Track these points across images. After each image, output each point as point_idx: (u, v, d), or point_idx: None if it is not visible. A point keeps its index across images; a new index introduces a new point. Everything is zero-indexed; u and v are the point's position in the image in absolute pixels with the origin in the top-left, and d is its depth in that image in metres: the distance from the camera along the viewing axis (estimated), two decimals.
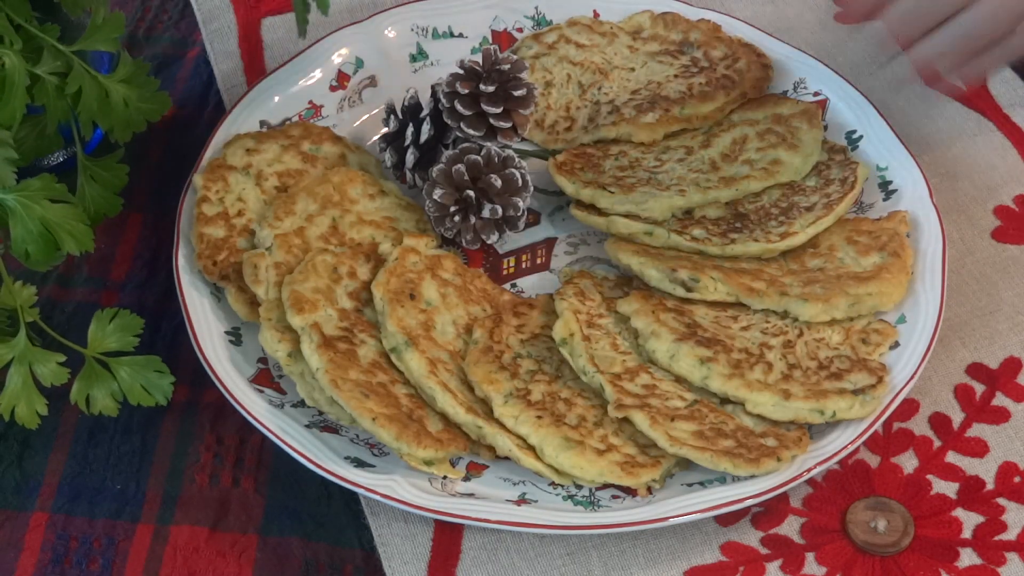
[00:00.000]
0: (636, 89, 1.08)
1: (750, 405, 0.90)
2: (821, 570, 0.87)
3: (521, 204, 1.01)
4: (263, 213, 0.99)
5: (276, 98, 1.08)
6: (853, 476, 0.91)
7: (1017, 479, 0.90)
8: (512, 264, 1.02)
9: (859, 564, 0.87)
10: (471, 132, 1.01)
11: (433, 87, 1.03)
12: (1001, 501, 0.89)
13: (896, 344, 0.93)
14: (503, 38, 1.13)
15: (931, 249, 0.97)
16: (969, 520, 0.88)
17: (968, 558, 0.87)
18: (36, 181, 0.90)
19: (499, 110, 1.01)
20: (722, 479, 0.88)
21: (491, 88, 1.00)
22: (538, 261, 1.02)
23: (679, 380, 0.92)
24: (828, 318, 0.94)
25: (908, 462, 0.91)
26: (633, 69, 1.09)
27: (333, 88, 1.10)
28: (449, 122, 1.02)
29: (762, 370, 0.91)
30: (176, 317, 0.98)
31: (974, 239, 1.02)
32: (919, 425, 0.93)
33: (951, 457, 0.91)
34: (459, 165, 1.00)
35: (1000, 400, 0.94)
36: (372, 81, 1.11)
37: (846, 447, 0.88)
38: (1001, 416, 0.93)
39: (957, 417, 0.93)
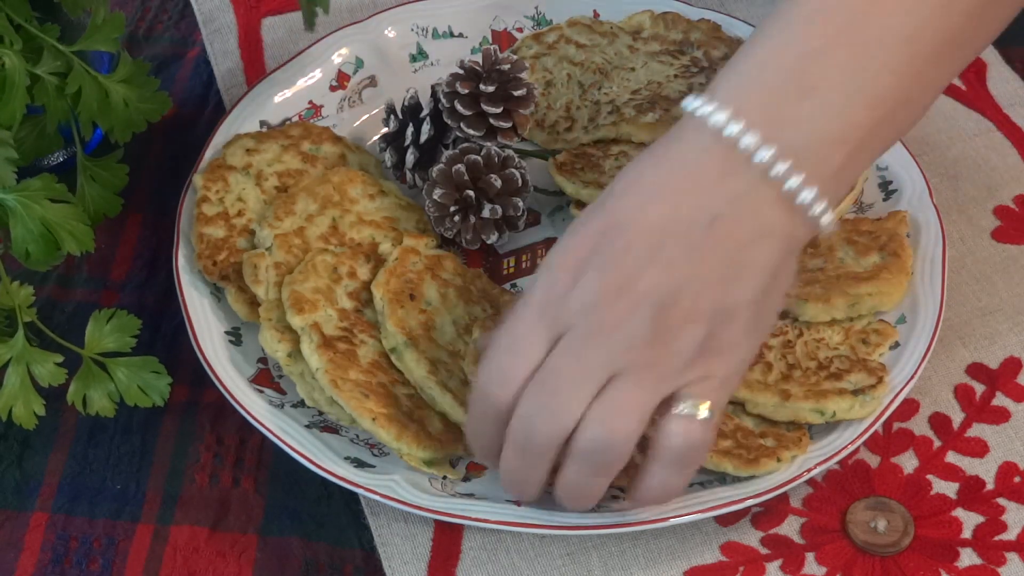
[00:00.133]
0: (636, 89, 1.08)
1: (750, 405, 0.90)
2: (821, 570, 0.87)
3: (521, 204, 1.01)
4: (263, 213, 0.99)
5: (276, 98, 1.07)
6: (853, 476, 0.90)
7: (1017, 479, 0.90)
8: (512, 264, 1.02)
9: (859, 564, 0.87)
10: (471, 132, 1.01)
11: (433, 87, 1.03)
12: (1001, 501, 0.89)
13: (896, 344, 0.93)
14: (503, 38, 1.13)
15: (931, 249, 0.97)
16: (969, 520, 0.88)
17: (968, 558, 0.87)
18: (36, 181, 0.90)
19: (499, 110, 1.01)
20: (722, 479, 0.88)
21: (491, 88, 1.00)
22: (538, 261, 1.02)
23: None
24: (828, 318, 0.94)
25: (908, 462, 0.91)
26: (633, 69, 1.09)
27: (333, 88, 1.10)
28: (449, 122, 1.02)
29: (762, 370, 0.91)
30: (176, 317, 0.98)
31: (974, 239, 1.02)
32: (919, 425, 0.93)
33: (951, 457, 0.91)
34: (459, 165, 1.00)
35: (1000, 400, 0.94)
36: (372, 81, 1.11)
37: (846, 447, 0.88)
38: (1001, 416, 0.93)
39: (957, 417, 0.93)
